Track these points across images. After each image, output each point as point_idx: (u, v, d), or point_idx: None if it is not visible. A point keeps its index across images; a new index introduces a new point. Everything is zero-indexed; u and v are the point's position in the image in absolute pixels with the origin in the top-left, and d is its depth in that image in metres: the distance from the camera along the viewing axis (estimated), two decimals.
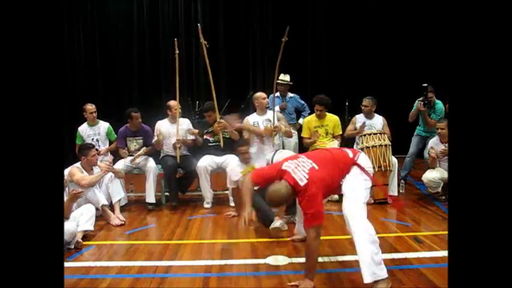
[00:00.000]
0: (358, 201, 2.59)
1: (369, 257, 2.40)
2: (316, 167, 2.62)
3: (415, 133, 5.36)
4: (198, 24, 4.89)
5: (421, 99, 5.02)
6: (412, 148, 5.33)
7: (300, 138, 5.32)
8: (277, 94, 5.65)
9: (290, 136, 5.19)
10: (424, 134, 5.24)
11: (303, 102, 5.77)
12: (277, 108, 5.33)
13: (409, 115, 5.26)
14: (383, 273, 2.44)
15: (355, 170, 2.73)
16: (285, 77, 5.69)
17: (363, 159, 2.80)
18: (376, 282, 2.42)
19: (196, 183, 5.09)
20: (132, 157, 4.76)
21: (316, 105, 4.94)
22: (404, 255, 3.09)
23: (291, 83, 5.74)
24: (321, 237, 3.49)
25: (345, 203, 2.61)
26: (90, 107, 5.16)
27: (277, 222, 3.54)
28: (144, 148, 4.84)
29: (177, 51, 4.75)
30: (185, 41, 7.33)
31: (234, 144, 4.71)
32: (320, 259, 3.04)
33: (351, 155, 2.79)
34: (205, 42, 4.67)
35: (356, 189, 2.64)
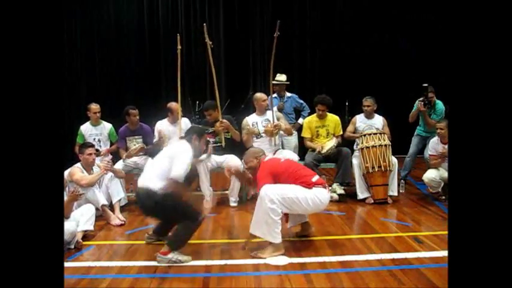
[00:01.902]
0: (279, 192, 3.09)
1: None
2: (281, 161, 3.52)
3: (415, 133, 5.35)
4: (204, 24, 4.90)
5: (421, 99, 5.02)
6: (412, 148, 5.33)
7: (300, 138, 5.33)
8: (275, 95, 5.65)
9: (291, 134, 5.19)
10: (425, 134, 5.23)
11: (301, 101, 5.76)
12: (275, 108, 5.33)
13: (409, 115, 5.26)
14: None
15: (308, 189, 3.17)
16: (280, 77, 5.68)
17: (319, 192, 3.19)
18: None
19: (196, 183, 5.08)
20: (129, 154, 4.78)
21: (318, 105, 4.94)
22: (405, 255, 3.09)
23: (287, 83, 5.73)
24: (321, 237, 3.54)
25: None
26: (95, 106, 5.17)
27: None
28: (140, 144, 4.83)
29: (179, 47, 4.76)
30: (185, 41, 7.33)
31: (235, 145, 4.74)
32: (320, 259, 3.05)
33: (313, 179, 3.23)
34: (211, 43, 4.70)
35: (292, 189, 3.14)
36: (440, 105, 5.11)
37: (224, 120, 4.69)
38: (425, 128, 5.21)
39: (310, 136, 5.03)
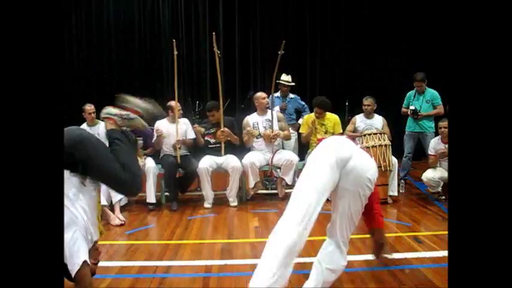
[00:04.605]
0: None
1: None
2: None
3: (406, 132, 5.38)
4: (214, 33, 4.96)
5: (410, 113, 5.23)
6: (407, 148, 5.35)
7: (300, 138, 5.34)
8: (278, 94, 5.68)
9: (289, 139, 5.22)
10: (415, 130, 5.27)
11: (303, 103, 5.80)
12: (277, 108, 5.35)
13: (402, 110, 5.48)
14: None
15: None
16: (287, 78, 5.70)
17: None
18: None
19: (196, 183, 5.09)
20: None
21: (315, 107, 4.96)
22: (404, 255, 3.09)
23: (293, 84, 5.76)
24: (321, 237, 3.52)
25: None
26: (89, 107, 5.18)
27: None
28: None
29: (175, 52, 4.79)
30: (186, 40, 7.33)
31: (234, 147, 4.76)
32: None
33: None
34: (218, 52, 4.79)
35: None
36: (430, 91, 5.26)
37: (225, 129, 4.72)
38: (413, 124, 5.29)
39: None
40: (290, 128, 5.27)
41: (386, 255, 2.99)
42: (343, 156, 2.17)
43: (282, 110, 5.45)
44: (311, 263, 2.97)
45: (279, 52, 4.63)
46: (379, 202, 2.66)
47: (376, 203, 2.57)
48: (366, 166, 2.30)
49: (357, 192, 2.23)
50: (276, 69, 4.74)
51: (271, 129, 4.80)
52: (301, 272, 2.82)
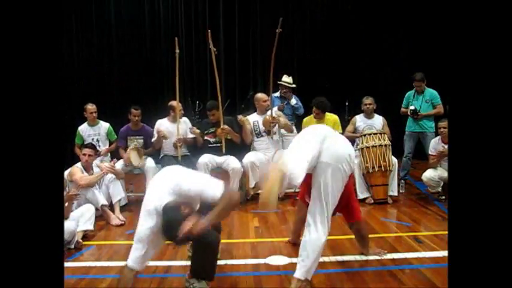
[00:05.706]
0: None
1: None
2: None
3: (406, 132, 5.38)
4: (209, 31, 4.94)
5: (410, 113, 5.22)
6: (407, 148, 5.36)
7: None
8: (277, 94, 5.67)
9: (290, 131, 5.21)
10: (415, 130, 5.27)
11: (300, 104, 5.82)
12: (275, 108, 5.35)
13: (401, 110, 5.48)
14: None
15: None
16: (288, 79, 5.69)
17: None
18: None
19: None
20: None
21: (314, 107, 4.98)
22: (404, 255, 3.09)
23: (294, 85, 5.74)
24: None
25: None
26: (91, 107, 5.18)
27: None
28: (132, 146, 4.80)
29: (177, 51, 4.78)
30: (186, 40, 7.33)
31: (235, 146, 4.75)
32: (320, 259, 3.04)
33: None
34: (215, 49, 4.78)
35: None
36: (429, 91, 5.25)
37: (225, 127, 4.72)
38: (413, 124, 5.29)
39: None
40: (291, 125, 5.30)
41: (377, 257, 3.02)
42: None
43: (281, 111, 5.45)
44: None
45: (277, 30, 4.64)
46: (356, 198, 3.04)
47: (353, 198, 2.94)
48: (344, 144, 2.54)
49: (338, 166, 2.40)
50: (275, 49, 4.71)
51: (270, 116, 4.80)
52: None
